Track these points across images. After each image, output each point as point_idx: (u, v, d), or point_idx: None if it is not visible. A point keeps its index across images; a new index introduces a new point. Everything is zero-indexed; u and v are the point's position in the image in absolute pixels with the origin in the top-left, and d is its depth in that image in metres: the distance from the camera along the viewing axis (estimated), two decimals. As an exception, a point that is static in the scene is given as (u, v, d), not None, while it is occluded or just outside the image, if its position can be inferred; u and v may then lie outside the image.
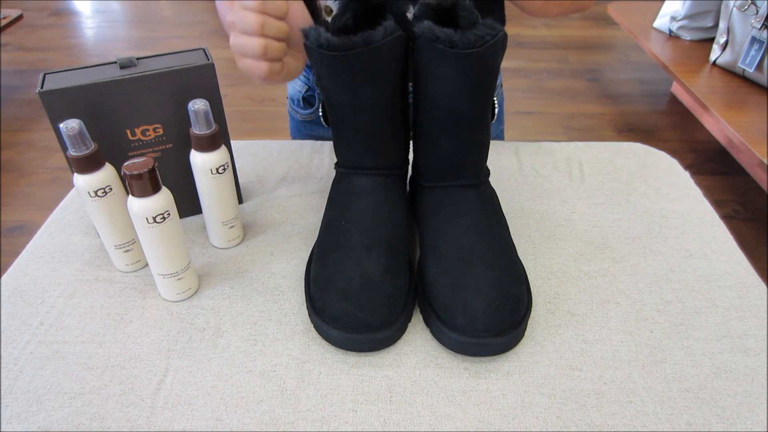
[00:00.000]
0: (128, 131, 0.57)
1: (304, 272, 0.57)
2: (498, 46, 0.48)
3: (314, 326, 0.51)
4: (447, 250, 0.52)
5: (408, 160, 0.60)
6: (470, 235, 0.52)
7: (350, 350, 0.49)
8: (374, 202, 0.55)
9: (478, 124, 0.53)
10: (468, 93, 0.50)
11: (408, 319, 0.52)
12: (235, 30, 0.49)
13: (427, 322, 0.51)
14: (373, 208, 0.54)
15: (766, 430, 0.44)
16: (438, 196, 0.55)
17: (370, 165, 0.55)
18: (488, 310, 0.47)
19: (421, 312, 0.53)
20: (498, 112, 0.87)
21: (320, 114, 0.57)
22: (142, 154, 0.58)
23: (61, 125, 0.48)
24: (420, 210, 0.58)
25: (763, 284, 0.57)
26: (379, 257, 0.51)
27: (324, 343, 0.51)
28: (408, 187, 0.65)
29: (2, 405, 0.46)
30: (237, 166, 0.75)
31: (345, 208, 0.55)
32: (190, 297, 0.56)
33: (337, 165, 0.58)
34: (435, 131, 0.53)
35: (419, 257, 0.56)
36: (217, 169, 0.55)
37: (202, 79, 0.57)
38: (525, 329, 0.50)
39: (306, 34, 0.48)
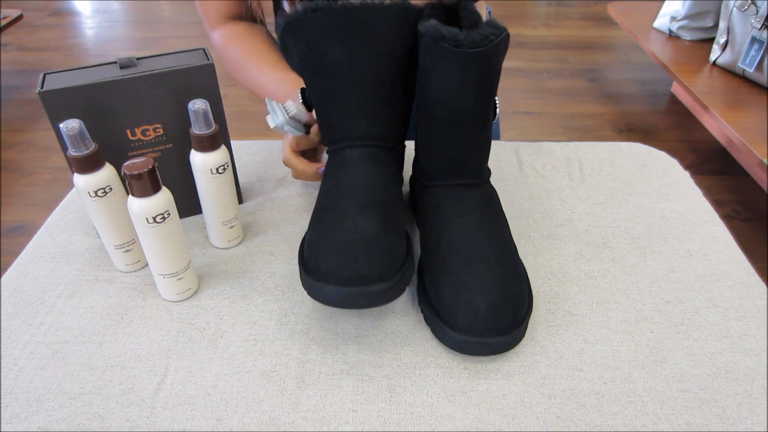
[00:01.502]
0: (128, 131, 0.57)
1: None
2: (502, 45, 0.48)
3: (307, 290, 0.49)
4: (449, 249, 0.51)
5: (403, 139, 0.59)
6: (472, 235, 0.52)
7: (345, 307, 0.47)
8: (367, 171, 0.53)
9: (480, 124, 0.53)
10: (472, 92, 0.50)
11: (406, 283, 0.49)
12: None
13: (428, 321, 0.51)
14: (366, 176, 0.53)
15: (766, 430, 0.44)
16: (440, 195, 0.55)
17: (363, 134, 0.54)
18: (490, 309, 0.47)
19: (422, 311, 0.53)
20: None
21: (301, 100, 0.57)
22: (142, 154, 0.58)
23: (61, 125, 0.48)
24: (422, 209, 0.57)
25: (763, 284, 0.57)
26: (374, 216, 0.50)
27: (324, 342, 0.51)
28: (410, 186, 0.64)
29: (2, 405, 0.46)
30: (237, 166, 0.75)
31: (338, 178, 0.53)
32: (190, 297, 0.56)
33: (328, 149, 0.57)
34: (438, 130, 0.53)
35: (420, 256, 0.56)
36: (217, 169, 0.55)
37: (202, 79, 0.57)
38: (526, 329, 0.50)
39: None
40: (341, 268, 0.46)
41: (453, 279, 0.50)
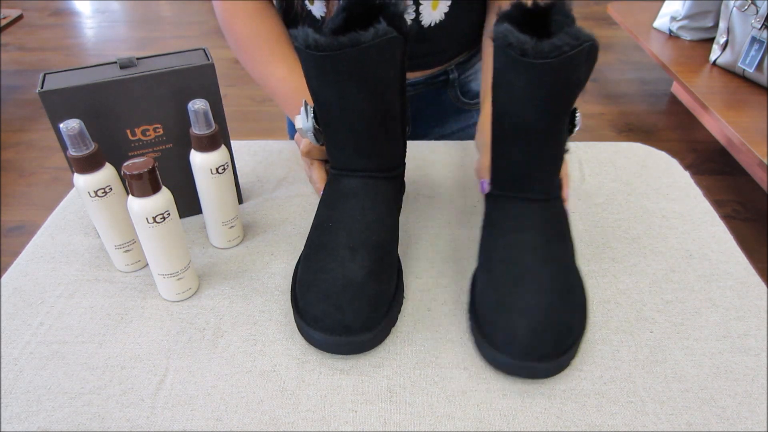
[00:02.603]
0: (128, 131, 0.57)
1: None
2: (579, 58, 0.43)
3: (297, 328, 0.51)
4: (499, 266, 0.50)
5: (403, 161, 0.59)
6: (525, 254, 0.49)
7: (331, 352, 0.49)
8: (363, 203, 0.53)
9: (548, 137, 0.49)
10: (538, 105, 0.46)
11: (392, 324, 0.51)
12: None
13: (472, 331, 0.51)
14: (361, 209, 0.53)
15: (766, 430, 0.44)
16: (502, 207, 0.53)
17: (361, 167, 0.54)
18: (529, 334, 0.46)
19: (469, 319, 0.52)
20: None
21: (312, 116, 0.57)
22: (142, 154, 0.58)
23: (61, 125, 0.48)
24: (486, 215, 0.56)
25: (763, 284, 0.57)
26: (363, 259, 0.50)
27: (324, 343, 0.51)
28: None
29: (2, 405, 0.46)
30: (237, 166, 0.75)
31: (334, 209, 0.54)
32: (190, 297, 0.56)
33: (330, 167, 0.58)
34: (504, 139, 0.51)
35: (476, 267, 0.55)
36: (217, 169, 0.55)
37: (202, 79, 0.57)
38: (573, 357, 0.48)
39: (294, 36, 0.48)
40: (327, 316, 0.48)
41: (498, 297, 0.49)
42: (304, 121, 0.57)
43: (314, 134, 0.57)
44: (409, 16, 0.68)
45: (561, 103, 0.47)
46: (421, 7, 0.70)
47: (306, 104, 0.57)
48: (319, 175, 0.65)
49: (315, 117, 0.57)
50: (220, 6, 0.72)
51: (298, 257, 0.60)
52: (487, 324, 0.49)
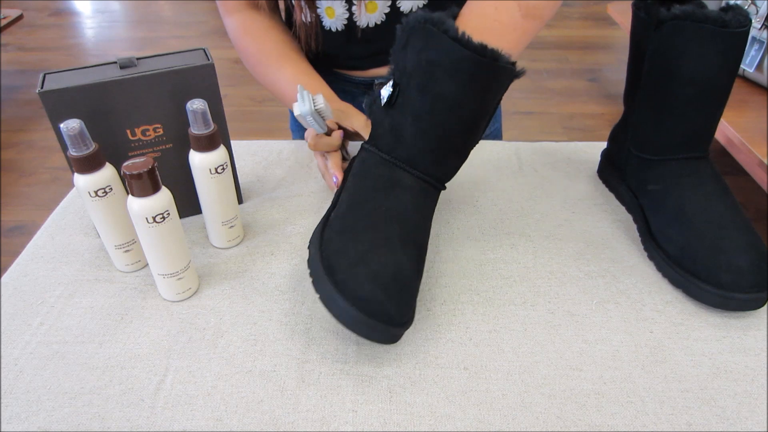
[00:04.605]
0: (128, 131, 0.57)
1: (307, 262, 0.52)
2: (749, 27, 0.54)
3: (323, 297, 0.47)
4: (696, 217, 0.56)
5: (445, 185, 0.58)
6: (715, 202, 0.56)
7: (351, 329, 0.46)
8: (417, 202, 0.53)
9: (726, 98, 0.57)
10: (729, 68, 0.55)
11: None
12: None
13: (679, 284, 0.55)
14: (415, 207, 0.53)
15: (766, 430, 0.44)
16: (673, 169, 0.59)
17: (424, 169, 0.53)
18: (752, 267, 0.52)
19: (667, 275, 0.57)
20: (497, 110, 0.87)
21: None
22: (142, 154, 0.58)
23: (61, 125, 0.48)
24: (649, 182, 0.61)
25: (763, 284, 0.57)
26: (413, 256, 0.50)
27: (324, 342, 0.51)
28: (606, 162, 0.71)
29: (2, 405, 0.46)
30: (237, 166, 0.75)
31: (385, 193, 0.52)
32: (190, 297, 0.56)
33: (376, 148, 0.55)
34: (682, 107, 0.57)
35: (651, 229, 0.60)
36: (216, 169, 0.55)
37: (202, 79, 0.57)
38: None
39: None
40: (372, 299, 0.46)
41: (709, 243, 0.54)
42: (301, 106, 0.57)
43: (314, 119, 0.57)
44: (385, 4, 0.71)
45: (738, 66, 0.55)
46: None
47: (302, 89, 0.58)
48: (334, 162, 0.65)
49: (314, 104, 0.58)
50: (231, 25, 0.75)
51: (298, 257, 0.60)
52: (705, 269, 0.53)
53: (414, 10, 0.72)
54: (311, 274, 0.49)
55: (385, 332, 0.46)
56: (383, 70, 0.80)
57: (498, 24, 0.55)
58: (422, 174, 0.53)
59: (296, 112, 0.59)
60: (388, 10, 0.72)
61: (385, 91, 0.53)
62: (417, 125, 0.51)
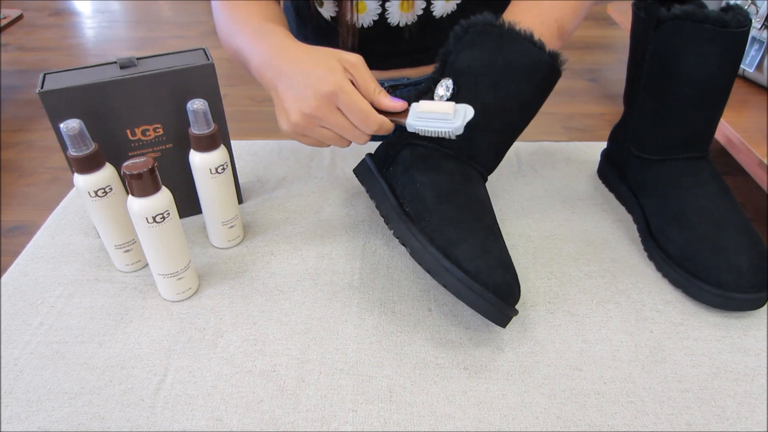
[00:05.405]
0: (128, 131, 0.57)
1: (412, 256, 0.51)
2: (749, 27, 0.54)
3: (451, 286, 0.48)
4: (697, 217, 0.56)
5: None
6: (717, 202, 0.56)
7: (484, 314, 0.48)
8: (486, 195, 0.57)
9: (726, 98, 0.57)
10: (729, 69, 0.55)
11: None
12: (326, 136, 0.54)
13: (680, 284, 0.55)
14: (487, 199, 0.56)
15: (766, 430, 0.44)
16: (674, 169, 0.60)
17: (484, 161, 0.57)
18: (752, 267, 0.52)
19: (668, 275, 0.56)
20: None
21: (450, 93, 0.55)
22: (142, 154, 0.58)
23: (61, 125, 0.48)
24: (649, 182, 0.62)
25: (763, 284, 0.57)
26: (503, 245, 0.53)
27: (324, 342, 0.51)
28: (605, 163, 0.71)
29: (2, 405, 0.46)
30: (237, 166, 0.75)
31: (465, 186, 0.54)
32: (190, 297, 0.56)
33: (436, 144, 0.55)
34: (681, 107, 0.57)
35: (651, 229, 0.60)
36: (216, 169, 0.55)
37: (202, 79, 0.57)
38: None
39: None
40: (507, 286, 0.48)
41: (709, 243, 0.54)
42: (453, 122, 0.50)
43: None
44: (420, 6, 0.72)
45: (738, 66, 0.55)
46: None
47: (453, 105, 0.51)
48: (384, 95, 0.54)
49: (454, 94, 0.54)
50: (216, 8, 0.69)
51: (298, 257, 0.60)
52: (705, 269, 0.53)
53: (445, 15, 0.74)
54: (427, 268, 0.50)
55: (508, 313, 0.48)
56: (398, 73, 0.80)
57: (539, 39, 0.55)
58: (481, 168, 0.57)
59: (449, 131, 0.51)
60: (421, 12, 0.73)
61: (443, 89, 0.55)
62: (485, 122, 0.54)
